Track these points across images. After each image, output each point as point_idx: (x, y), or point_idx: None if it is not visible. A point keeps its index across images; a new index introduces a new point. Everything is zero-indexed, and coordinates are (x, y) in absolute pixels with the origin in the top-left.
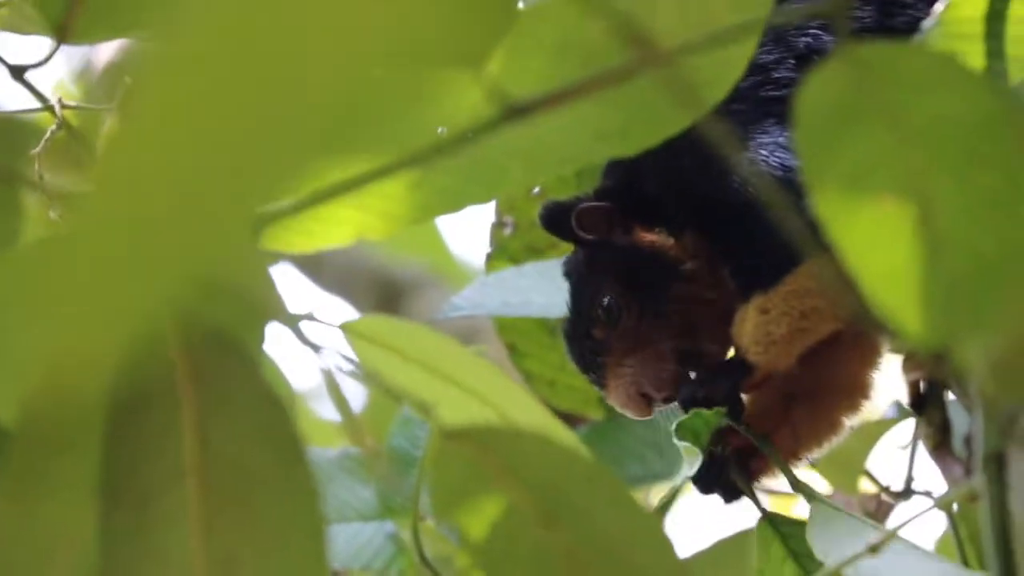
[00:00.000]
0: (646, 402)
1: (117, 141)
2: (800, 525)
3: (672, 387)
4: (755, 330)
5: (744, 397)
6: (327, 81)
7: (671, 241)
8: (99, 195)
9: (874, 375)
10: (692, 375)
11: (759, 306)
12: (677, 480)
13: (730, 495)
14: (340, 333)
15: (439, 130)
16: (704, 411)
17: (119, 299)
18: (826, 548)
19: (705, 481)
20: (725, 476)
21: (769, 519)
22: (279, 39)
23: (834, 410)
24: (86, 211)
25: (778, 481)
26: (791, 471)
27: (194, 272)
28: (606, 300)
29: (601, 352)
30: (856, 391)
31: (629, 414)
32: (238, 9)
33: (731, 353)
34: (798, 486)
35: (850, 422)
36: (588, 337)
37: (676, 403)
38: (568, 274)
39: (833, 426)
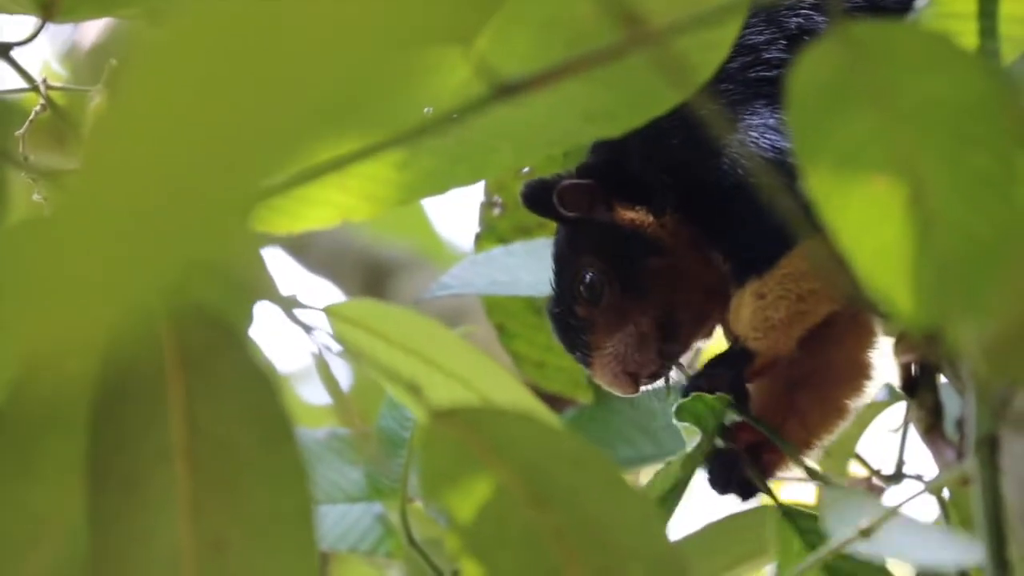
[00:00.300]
0: (632, 379)
1: (108, 123)
2: (816, 519)
3: (656, 363)
4: (753, 316)
5: (749, 387)
6: (319, 61)
7: (651, 219)
8: (90, 178)
9: (873, 356)
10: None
11: (755, 291)
12: (674, 460)
13: (746, 493)
14: (324, 316)
15: (425, 110)
16: (706, 395)
17: (109, 283)
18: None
19: (720, 481)
20: (740, 474)
21: (787, 513)
22: (270, 20)
23: (839, 395)
24: (76, 193)
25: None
26: (804, 462)
27: (186, 256)
28: (588, 276)
29: (585, 330)
30: (858, 373)
31: (616, 391)
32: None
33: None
34: (814, 475)
35: (854, 405)
36: (572, 315)
37: (661, 382)
38: (553, 257)
39: (840, 411)
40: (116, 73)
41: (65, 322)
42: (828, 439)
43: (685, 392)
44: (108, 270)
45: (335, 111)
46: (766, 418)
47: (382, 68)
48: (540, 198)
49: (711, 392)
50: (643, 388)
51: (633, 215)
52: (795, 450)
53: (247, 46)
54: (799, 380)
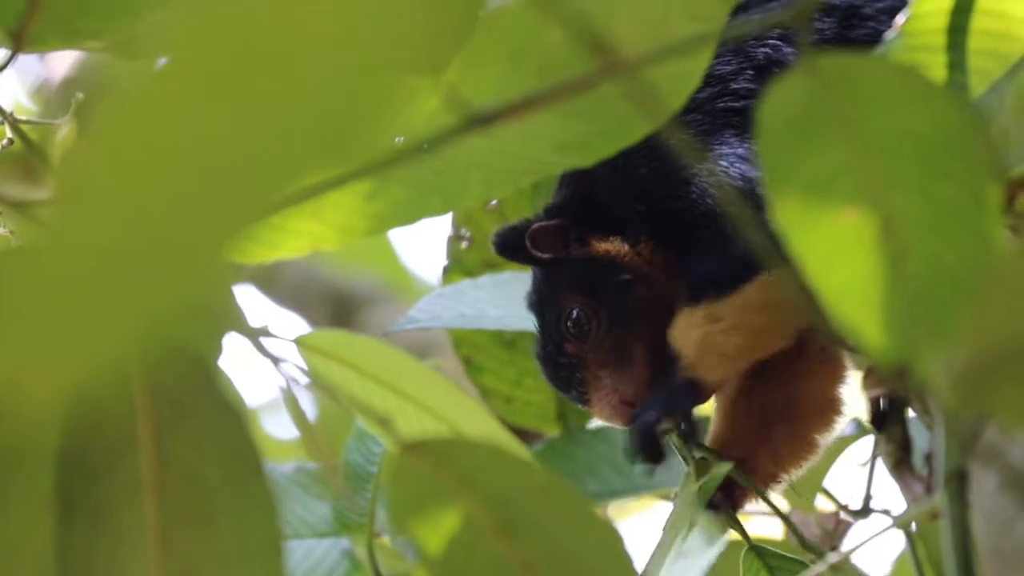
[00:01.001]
0: (630, 410)
1: (85, 161)
2: (787, 559)
3: (649, 391)
4: (704, 340)
5: (713, 422)
6: (300, 92)
7: (626, 248)
8: (68, 218)
9: (843, 391)
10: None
11: (709, 314)
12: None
13: (655, 457)
14: (294, 347)
15: (397, 139)
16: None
17: (88, 323)
18: None
19: (638, 446)
20: (708, 505)
21: (757, 551)
22: (251, 52)
23: (809, 429)
24: (54, 233)
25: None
26: (768, 497)
27: (167, 297)
28: (574, 313)
29: (577, 367)
30: (828, 408)
31: (616, 424)
32: (210, 31)
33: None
34: (779, 513)
35: (824, 440)
36: (562, 354)
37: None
38: (530, 306)
39: (810, 445)
40: (86, 106)
41: (40, 361)
42: (796, 473)
43: (641, 434)
44: (87, 311)
45: (318, 143)
46: (737, 450)
47: (362, 97)
48: (513, 244)
49: (660, 429)
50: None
51: (608, 246)
52: (760, 485)
53: (227, 80)
54: (770, 413)
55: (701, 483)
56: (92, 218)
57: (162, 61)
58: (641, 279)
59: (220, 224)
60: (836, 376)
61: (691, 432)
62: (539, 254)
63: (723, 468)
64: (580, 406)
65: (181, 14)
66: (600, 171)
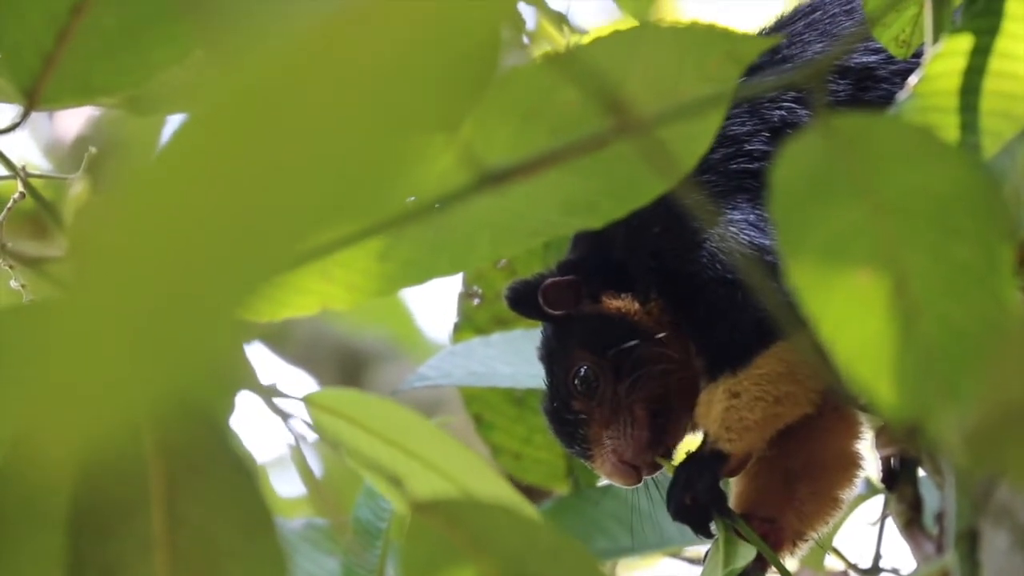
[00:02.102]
0: (633, 469)
1: (107, 219)
2: None
3: (651, 452)
4: (726, 414)
5: (738, 483)
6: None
7: (637, 306)
8: (88, 275)
9: (861, 446)
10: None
11: (729, 389)
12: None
13: (702, 526)
14: (303, 406)
15: (408, 199)
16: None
17: (106, 381)
18: None
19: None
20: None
21: None
22: (270, 117)
23: (832, 486)
24: (73, 290)
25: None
26: (782, 565)
27: (185, 357)
28: (582, 370)
29: (582, 424)
30: (848, 464)
31: (618, 483)
32: (231, 92)
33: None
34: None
35: (847, 496)
36: (568, 410)
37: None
38: (541, 359)
39: (835, 502)
40: (98, 163)
41: (56, 419)
42: (822, 530)
43: (675, 514)
44: (106, 369)
45: (335, 201)
46: (764, 510)
47: (381, 155)
48: (524, 299)
49: (695, 506)
50: (645, 478)
51: (619, 303)
52: (789, 545)
53: (246, 139)
54: (793, 472)
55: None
56: (111, 276)
57: (180, 119)
58: (649, 338)
59: (238, 282)
60: (853, 432)
61: (720, 502)
62: (551, 311)
63: (749, 552)
64: (583, 461)
65: (201, 74)
66: (614, 230)
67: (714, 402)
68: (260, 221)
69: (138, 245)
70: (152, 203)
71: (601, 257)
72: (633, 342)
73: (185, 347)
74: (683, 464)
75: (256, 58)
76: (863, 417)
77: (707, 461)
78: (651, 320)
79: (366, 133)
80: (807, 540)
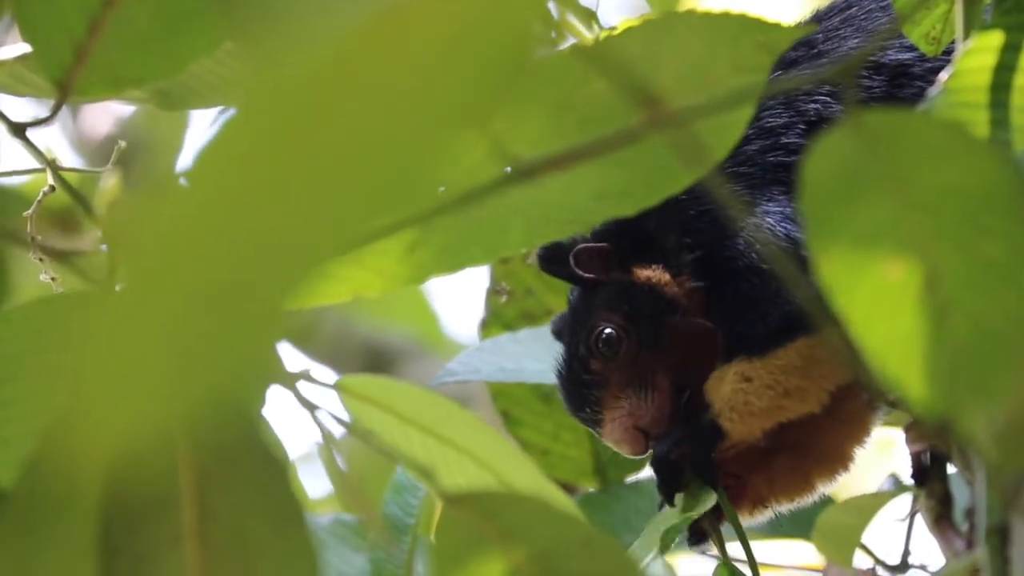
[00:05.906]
0: (642, 437)
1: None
2: None
3: (668, 423)
4: (734, 396)
5: None
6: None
7: (668, 277)
8: (141, 269)
9: (857, 450)
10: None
11: (743, 372)
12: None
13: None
14: (335, 393)
15: (439, 188)
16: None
17: (153, 376)
18: None
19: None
20: (693, 529)
21: (727, 567)
22: (318, 112)
23: (813, 472)
24: (126, 283)
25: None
26: (744, 533)
27: (233, 350)
28: (606, 331)
29: (597, 386)
30: (837, 461)
31: (624, 451)
32: (280, 87)
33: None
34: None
35: (821, 488)
36: (585, 370)
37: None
38: (558, 332)
39: (808, 486)
40: (128, 157)
41: (98, 412)
42: (786, 507)
43: (657, 459)
44: (154, 363)
45: (380, 193)
46: (735, 466)
47: (423, 147)
48: (557, 259)
49: (679, 465)
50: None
51: (650, 273)
52: (748, 506)
53: (295, 133)
54: (778, 448)
55: (670, 524)
56: (161, 272)
57: (212, 116)
58: (677, 310)
59: (286, 275)
60: (855, 436)
61: (711, 476)
62: (581, 272)
63: (709, 499)
64: (590, 427)
65: (239, 69)
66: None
67: (725, 380)
68: (308, 214)
69: (188, 240)
70: (202, 198)
71: (636, 229)
72: (661, 306)
73: (232, 341)
74: (683, 424)
75: (304, 54)
76: (874, 423)
77: (706, 431)
78: (681, 293)
79: (412, 127)
80: (767, 508)
